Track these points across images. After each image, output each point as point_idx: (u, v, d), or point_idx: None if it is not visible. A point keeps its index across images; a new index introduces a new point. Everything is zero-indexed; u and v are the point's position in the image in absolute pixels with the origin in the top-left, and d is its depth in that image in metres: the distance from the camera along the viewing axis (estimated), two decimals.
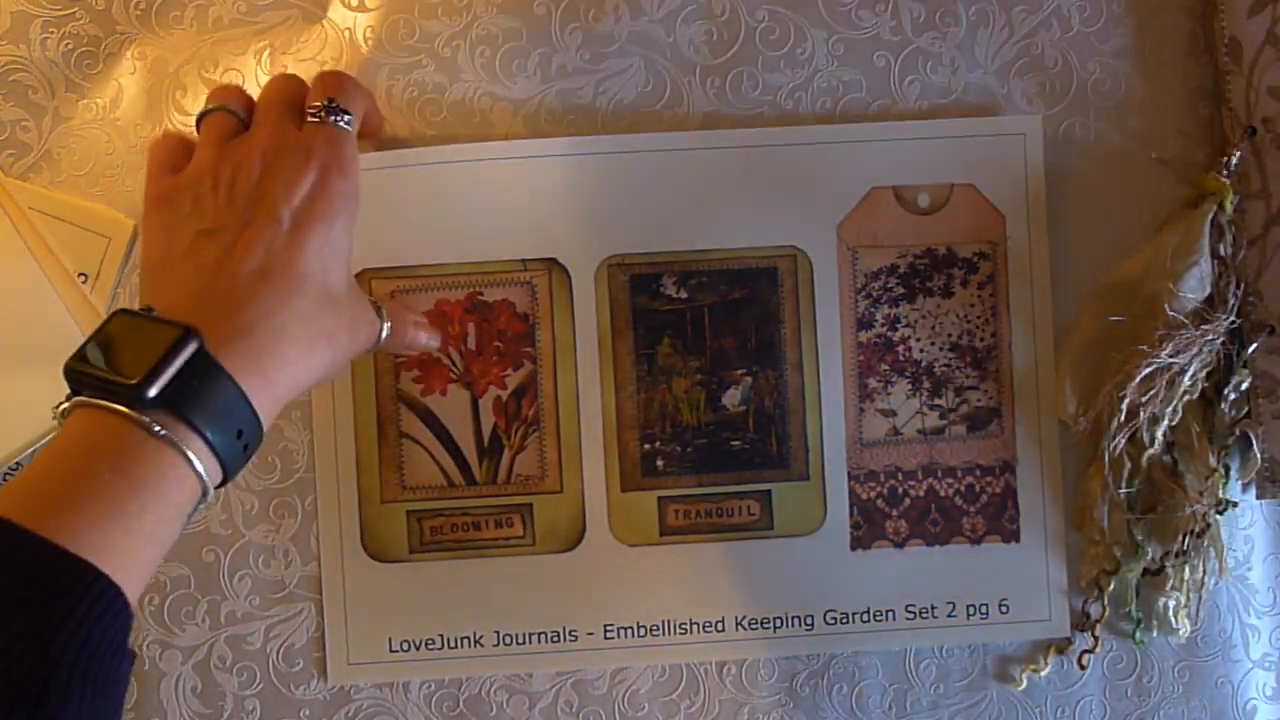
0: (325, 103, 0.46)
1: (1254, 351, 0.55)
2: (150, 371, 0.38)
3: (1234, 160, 0.55)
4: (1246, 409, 0.55)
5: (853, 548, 0.56)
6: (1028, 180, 0.56)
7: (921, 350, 0.56)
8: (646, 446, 0.56)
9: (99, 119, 0.55)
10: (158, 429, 0.37)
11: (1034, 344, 0.56)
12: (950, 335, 0.56)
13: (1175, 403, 0.54)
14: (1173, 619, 0.56)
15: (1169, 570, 0.55)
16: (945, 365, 0.56)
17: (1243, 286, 0.55)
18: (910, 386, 0.56)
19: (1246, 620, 0.57)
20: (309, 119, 0.46)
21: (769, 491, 0.56)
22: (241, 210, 0.43)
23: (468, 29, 0.56)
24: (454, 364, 0.56)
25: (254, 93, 0.55)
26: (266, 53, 0.55)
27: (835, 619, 0.56)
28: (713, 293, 0.56)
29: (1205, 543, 0.55)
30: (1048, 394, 0.56)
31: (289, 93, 0.48)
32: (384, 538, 0.55)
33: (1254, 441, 0.55)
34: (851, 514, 0.56)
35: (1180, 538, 0.55)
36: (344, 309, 0.44)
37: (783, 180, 0.55)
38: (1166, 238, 0.55)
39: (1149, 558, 0.56)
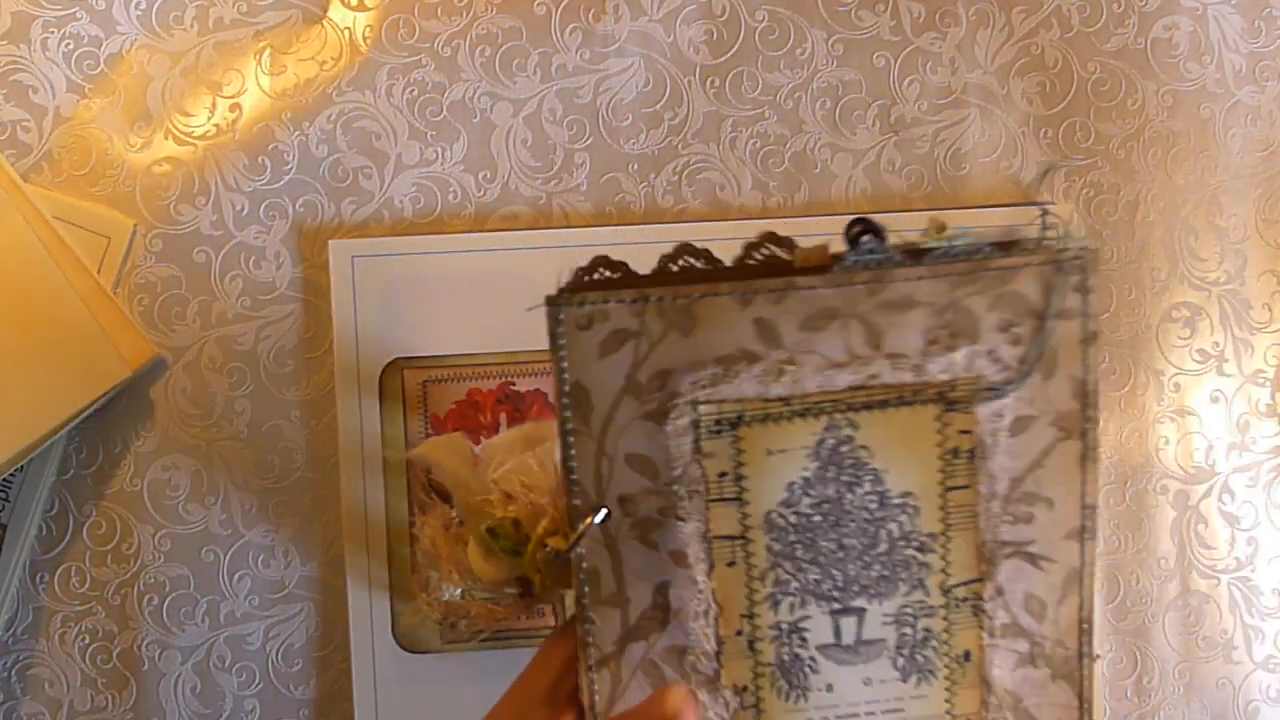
0: None
1: None
2: None
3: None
4: None
5: None
6: None
7: None
8: None
9: (99, 119, 0.55)
10: None
11: None
12: None
13: None
14: None
15: None
16: None
17: None
18: None
19: (1249, 621, 0.57)
20: None
21: None
22: None
23: (468, 29, 0.56)
24: None
25: (254, 94, 0.55)
26: (267, 53, 0.55)
27: None
28: None
29: None
30: None
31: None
32: (416, 628, 0.55)
33: None
34: None
35: None
36: None
37: None
38: None
39: None
